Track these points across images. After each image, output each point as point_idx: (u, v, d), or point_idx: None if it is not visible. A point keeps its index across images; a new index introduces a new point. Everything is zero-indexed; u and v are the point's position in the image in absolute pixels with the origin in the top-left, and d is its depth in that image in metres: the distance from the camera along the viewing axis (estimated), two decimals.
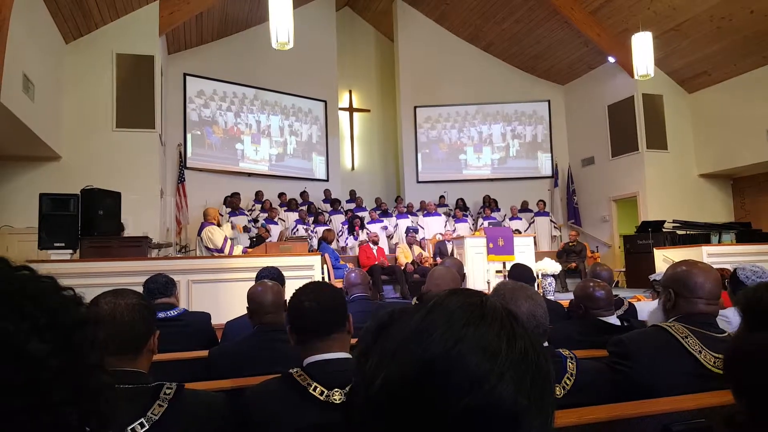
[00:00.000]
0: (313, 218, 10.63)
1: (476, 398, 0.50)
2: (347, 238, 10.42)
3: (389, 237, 10.90)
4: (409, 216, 11.29)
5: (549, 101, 13.20)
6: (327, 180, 12.58)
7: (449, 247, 9.47)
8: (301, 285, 1.73)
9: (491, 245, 8.05)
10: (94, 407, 0.51)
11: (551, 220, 11.95)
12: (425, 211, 11.50)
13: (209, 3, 9.20)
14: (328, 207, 11.59)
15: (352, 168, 13.71)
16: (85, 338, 0.53)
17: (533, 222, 11.80)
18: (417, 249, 10.03)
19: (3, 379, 0.45)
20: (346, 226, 10.62)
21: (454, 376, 0.51)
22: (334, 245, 9.52)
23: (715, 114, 10.93)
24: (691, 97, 11.43)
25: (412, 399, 0.51)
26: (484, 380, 0.50)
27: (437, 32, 13.13)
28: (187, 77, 10.92)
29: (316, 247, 9.16)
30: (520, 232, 10.54)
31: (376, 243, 9.58)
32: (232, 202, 10.21)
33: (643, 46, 8.83)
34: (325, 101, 12.76)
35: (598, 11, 10.30)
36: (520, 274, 3.84)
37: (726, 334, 1.81)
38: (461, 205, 11.93)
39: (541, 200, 12.09)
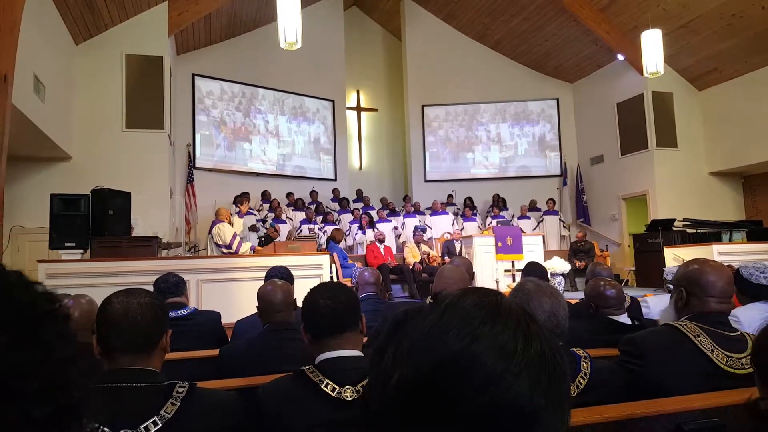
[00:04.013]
0: (321, 218, 10.65)
1: (492, 397, 0.50)
2: (356, 234, 10.43)
3: (398, 236, 10.89)
4: (416, 215, 11.28)
5: (558, 99, 13.14)
6: (335, 179, 12.60)
7: (457, 246, 9.45)
8: (311, 284, 1.75)
9: (500, 244, 8.03)
10: (64, 402, 0.50)
11: (560, 219, 11.90)
12: (432, 210, 11.48)
13: (218, 4, 9.24)
14: (336, 206, 11.60)
15: (360, 167, 13.72)
16: (53, 332, 0.52)
17: (542, 221, 11.75)
18: (425, 248, 10.02)
19: None
20: (356, 224, 10.64)
21: (469, 375, 0.51)
22: (342, 244, 9.53)
23: (726, 111, 10.83)
24: (701, 94, 11.34)
25: (427, 397, 0.51)
26: (500, 379, 0.50)
27: (445, 31, 13.10)
28: (196, 78, 10.97)
29: (324, 246, 9.18)
30: (524, 232, 10.48)
31: (382, 242, 9.58)
32: (242, 201, 10.26)
33: (652, 44, 8.77)
34: (333, 101, 12.78)
35: (607, 9, 10.24)
36: (533, 272, 3.83)
37: (738, 333, 1.80)
38: (469, 204, 11.90)
39: (550, 199, 12.04)
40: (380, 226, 10.59)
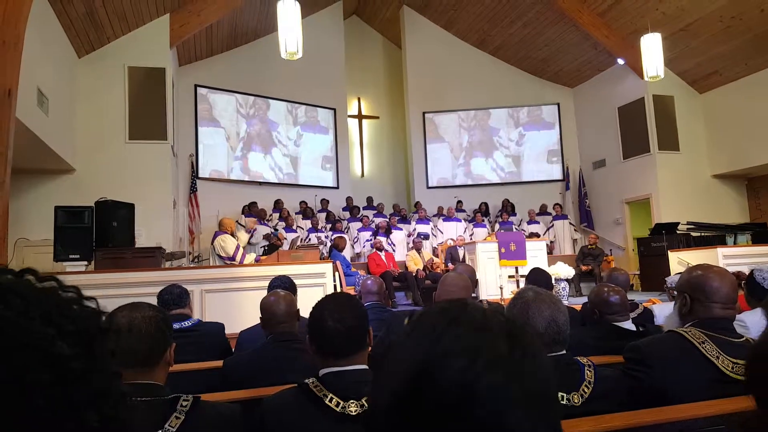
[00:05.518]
0: (331, 225, 10.67)
1: (461, 394, 0.51)
2: (365, 243, 10.48)
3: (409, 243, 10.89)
4: (429, 221, 11.29)
5: (558, 104, 13.15)
6: (337, 187, 12.62)
7: (461, 252, 9.44)
8: (314, 293, 1.74)
9: (503, 250, 8.02)
10: (113, 413, 0.53)
11: (570, 224, 11.88)
12: (444, 216, 11.49)
13: (219, 15, 9.30)
14: (347, 214, 11.62)
15: (362, 175, 13.74)
16: (106, 346, 0.55)
17: (552, 226, 11.74)
18: (427, 254, 10.00)
19: (30, 377, 0.47)
20: (364, 232, 10.69)
21: (436, 376, 0.53)
22: (347, 252, 9.53)
23: (728, 114, 10.82)
24: (702, 97, 11.34)
25: (411, 405, 0.53)
26: (466, 375, 0.52)
27: (445, 38, 13.15)
28: (198, 88, 11.03)
29: (328, 254, 9.18)
30: (539, 236, 10.50)
31: (381, 249, 9.57)
32: (260, 212, 10.32)
33: (652, 48, 8.78)
34: (334, 109, 12.82)
35: (606, 13, 10.27)
36: (537, 278, 3.82)
37: (744, 339, 1.79)
38: (483, 210, 11.90)
39: (557, 204, 12.05)
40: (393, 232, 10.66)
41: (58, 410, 0.48)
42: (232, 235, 7.19)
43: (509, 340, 0.55)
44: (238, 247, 7.01)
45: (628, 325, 2.60)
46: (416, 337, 0.57)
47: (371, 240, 10.34)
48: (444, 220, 11.41)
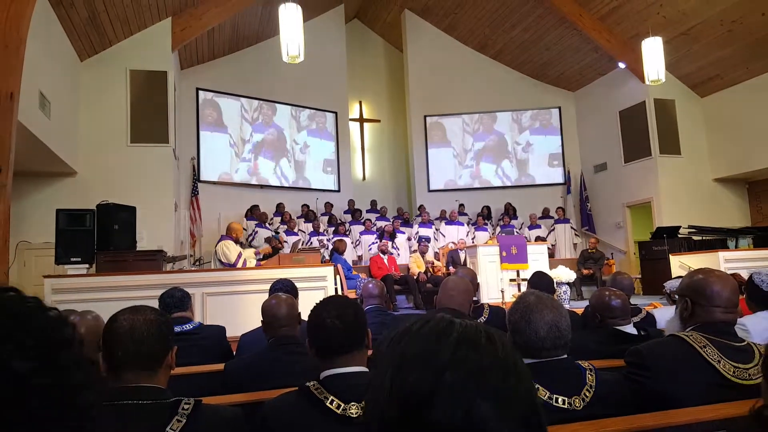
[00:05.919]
0: (333, 229, 10.69)
1: (432, 393, 0.56)
2: (370, 246, 10.51)
3: (411, 247, 10.90)
4: (432, 225, 11.30)
5: (560, 108, 13.16)
6: (338, 191, 12.62)
7: (462, 255, 9.43)
8: (316, 296, 1.75)
9: (504, 253, 8.01)
10: (78, 425, 0.52)
11: (572, 227, 11.88)
12: (447, 220, 11.50)
13: (221, 19, 9.33)
14: (348, 217, 11.63)
15: (363, 178, 13.75)
16: (70, 358, 0.54)
17: (553, 230, 11.74)
18: (428, 258, 10.00)
19: None
20: (366, 235, 10.69)
21: (408, 376, 0.59)
22: (350, 256, 9.52)
23: (729, 117, 10.82)
24: (703, 101, 11.34)
25: (397, 407, 0.58)
26: (432, 375, 0.58)
27: (446, 42, 13.18)
28: (200, 91, 11.05)
29: (329, 257, 9.18)
30: (544, 240, 10.50)
31: (385, 253, 9.57)
32: (262, 215, 10.32)
33: (653, 51, 8.78)
34: (335, 112, 12.84)
35: (608, 17, 10.28)
36: (539, 282, 3.82)
37: (745, 343, 1.79)
38: (485, 214, 11.90)
39: (560, 207, 12.04)
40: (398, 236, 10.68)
41: (21, 427, 0.47)
42: (237, 242, 7.03)
43: (469, 343, 0.61)
44: (240, 255, 6.92)
45: (630, 329, 2.59)
46: (392, 345, 0.65)
47: (376, 243, 10.35)
48: (447, 224, 11.42)
